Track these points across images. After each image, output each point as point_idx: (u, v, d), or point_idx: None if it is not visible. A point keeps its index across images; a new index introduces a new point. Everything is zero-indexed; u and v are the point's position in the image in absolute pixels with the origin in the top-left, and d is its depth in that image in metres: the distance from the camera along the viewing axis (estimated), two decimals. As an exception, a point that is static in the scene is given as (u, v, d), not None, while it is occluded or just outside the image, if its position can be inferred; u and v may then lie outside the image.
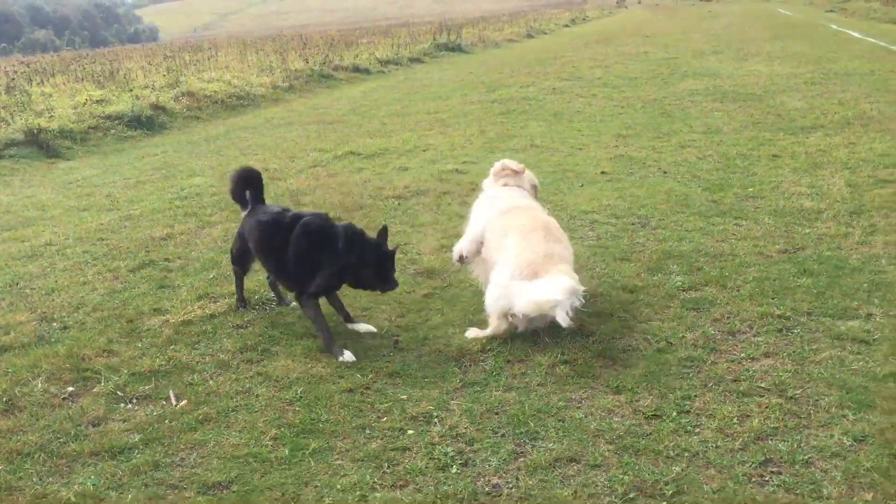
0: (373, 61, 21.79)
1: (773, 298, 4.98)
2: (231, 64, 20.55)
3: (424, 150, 10.36)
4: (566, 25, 42.54)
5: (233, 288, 5.50)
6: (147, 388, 4.30)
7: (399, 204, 7.81)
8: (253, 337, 4.89)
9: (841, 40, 22.92)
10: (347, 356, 4.48)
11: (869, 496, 3.10)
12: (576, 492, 3.27)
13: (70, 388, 4.31)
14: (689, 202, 7.21)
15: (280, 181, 9.11)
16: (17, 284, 6.01)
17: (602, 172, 8.57)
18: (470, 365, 4.42)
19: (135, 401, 4.18)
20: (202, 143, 12.37)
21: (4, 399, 4.18)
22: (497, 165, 5.41)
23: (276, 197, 8.33)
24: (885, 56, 17.76)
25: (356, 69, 20.54)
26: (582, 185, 8.09)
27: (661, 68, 17.84)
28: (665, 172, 8.38)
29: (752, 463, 3.38)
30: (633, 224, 6.70)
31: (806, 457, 3.39)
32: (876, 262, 5.45)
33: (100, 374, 4.45)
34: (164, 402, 4.15)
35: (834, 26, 28.01)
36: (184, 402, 4.13)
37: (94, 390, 4.28)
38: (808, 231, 6.19)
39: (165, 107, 14.57)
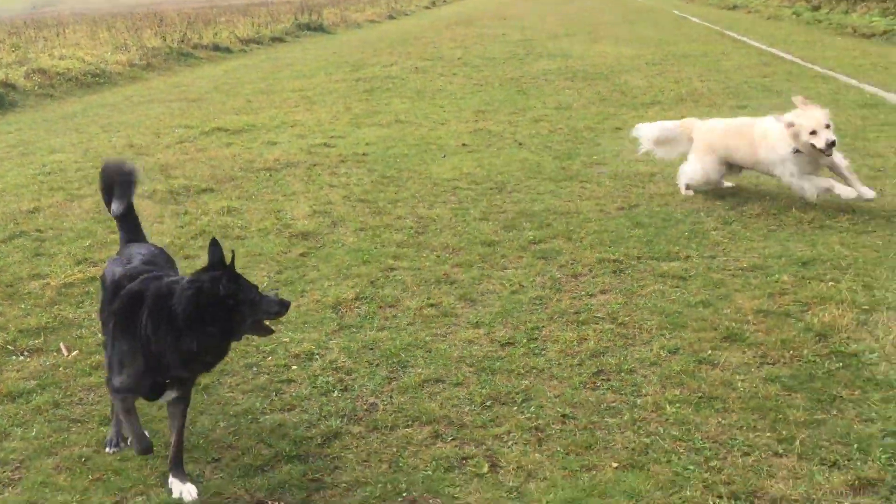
0: (233, 40, 21.64)
1: (609, 247, 5.74)
2: (81, 41, 19.89)
3: (292, 126, 10.68)
4: (427, 7, 43.21)
5: (115, 248, 5.72)
6: (37, 342, 4.55)
7: (270, 175, 8.15)
8: (137, 295, 5.17)
9: (681, 24, 24.73)
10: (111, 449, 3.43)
11: (677, 392, 3.84)
12: (441, 404, 3.85)
13: (-43, 347, 4.49)
14: (541, 169, 7.95)
15: (147, 156, 9.22)
16: None
17: (463, 144, 9.21)
18: (346, 311, 4.91)
19: (26, 353, 4.43)
20: (59, 121, 12.14)
21: None
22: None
23: (146, 171, 8.47)
24: (718, 39, 19.43)
25: (216, 48, 20.37)
26: (444, 156, 8.69)
27: (518, 49, 18.76)
28: (520, 144, 9.11)
29: (587, 374, 4.07)
30: (490, 189, 7.35)
31: (630, 367, 4.11)
32: (696, 214, 6.33)
33: (-15, 333, 4.64)
34: (55, 354, 4.42)
35: (676, 12, 30.03)
36: (75, 352, 4.41)
37: (-18, 347, 4.48)
38: (641, 191, 7.05)
39: (15, 84, 14.10)
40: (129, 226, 3.73)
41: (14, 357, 4.38)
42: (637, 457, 3.36)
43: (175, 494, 3.16)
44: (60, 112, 12.88)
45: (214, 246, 3.09)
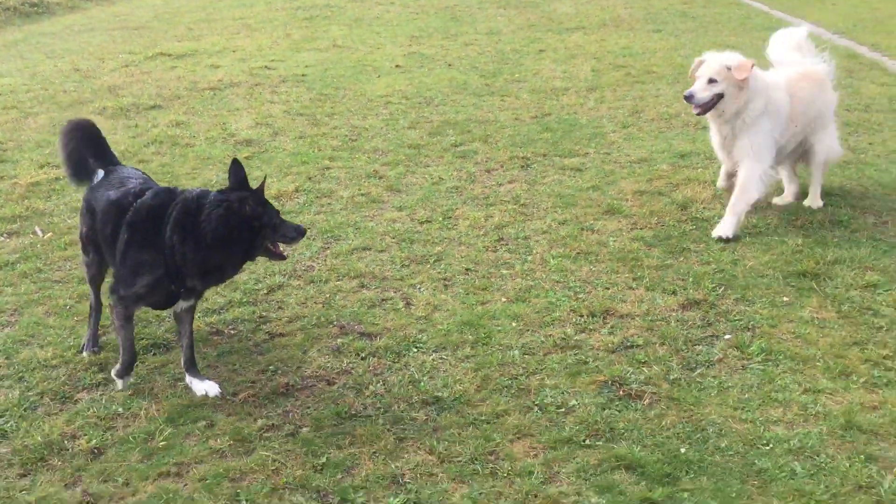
0: (171, -30, 21.55)
1: (520, 147, 6.57)
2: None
3: (234, 51, 11.18)
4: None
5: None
6: (14, 226, 5.22)
7: (214, 94, 8.74)
8: (99, 190, 5.85)
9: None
10: (121, 384, 3.49)
11: (561, 250, 4.71)
12: (367, 264, 4.66)
13: (-58, 231, 5.14)
14: (467, 86, 8.70)
15: (94, 79, 9.68)
16: None
17: (396, 66, 9.88)
18: (287, 200, 5.66)
19: (5, 235, 5.11)
20: (1, 49, 12.38)
21: None
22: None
23: (93, 91, 8.99)
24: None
25: (154, -22, 20.32)
26: (379, 76, 9.36)
27: (456, -20, 19.19)
28: (450, 65, 9.82)
29: (490, 241, 4.91)
30: (419, 103, 8.09)
31: (526, 235, 4.97)
32: (599, 121, 7.18)
33: (-33, 220, 5.30)
34: (31, 235, 5.10)
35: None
36: (49, 234, 5.10)
37: (-34, 231, 5.15)
38: (554, 103, 7.86)
39: (-49, 13, 14.16)
40: (108, 156, 3.82)
41: (-6, 238, 5.05)
42: (522, 294, 4.23)
43: (199, 392, 3.41)
44: (2, 41, 13.08)
45: (237, 165, 3.28)
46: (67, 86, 9.35)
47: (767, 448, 2.96)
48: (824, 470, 2.83)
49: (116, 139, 7.08)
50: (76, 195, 5.77)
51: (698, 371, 3.47)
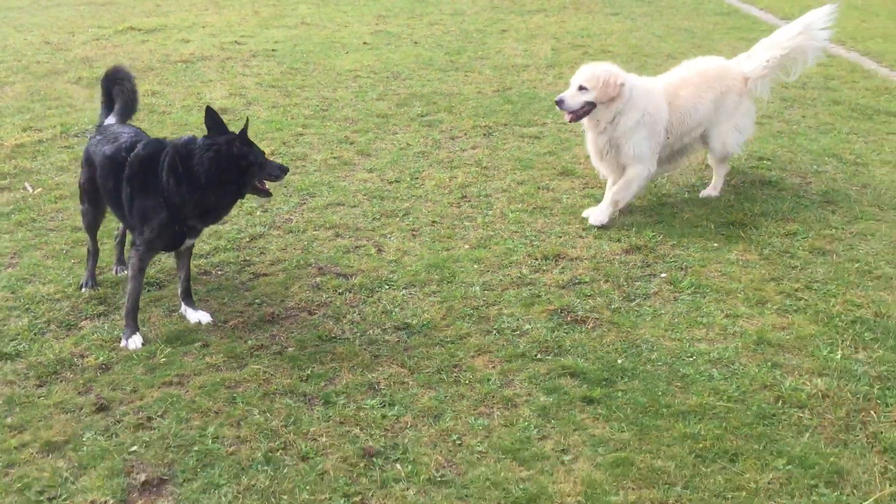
0: (134, -52, 21.57)
1: (483, 117, 7.03)
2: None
3: (203, 27, 11.46)
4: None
5: (55, 120, 6.66)
6: (3, 182, 5.55)
7: (187, 67, 9.06)
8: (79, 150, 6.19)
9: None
10: (133, 343, 3.66)
11: (519, 206, 5.18)
12: (341, 217, 5.09)
13: (-65, 186, 5.46)
14: (432, 62, 9.13)
15: (66, 51, 9.91)
16: None
17: (364, 43, 10.27)
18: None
19: (-3, 191, 5.44)
20: (-33, 22, 12.49)
21: None
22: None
23: (66, 62, 9.24)
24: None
25: (118, -45, 20.34)
26: (347, 52, 9.75)
27: (421, -37, 19.55)
28: (416, 42, 10.24)
29: (454, 198, 5.37)
30: (387, 77, 8.51)
31: (487, 193, 5.43)
32: (556, 95, 7.66)
33: (-42, 176, 5.62)
34: (22, 191, 5.44)
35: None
36: (38, 189, 5.45)
37: (-41, 186, 5.47)
38: (515, 78, 8.34)
39: (-86, -15, 14.17)
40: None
41: (-13, 193, 5.38)
42: (483, 242, 4.70)
43: (193, 320, 3.83)
44: (-33, 14, 13.17)
45: (211, 112, 3.60)
46: (40, 57, 9.58)
47: (691, 359, 3.47)
48: (737, 374, 3.35)
49: (95, 106, 7.38)
50: (60, 155, 6.12)
51: (636, 301, 3.98)
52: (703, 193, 5.28)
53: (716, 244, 4.55)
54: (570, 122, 5.00)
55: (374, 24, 11.57)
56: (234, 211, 4.83)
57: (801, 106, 7.15)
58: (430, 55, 9.50)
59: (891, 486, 2.66)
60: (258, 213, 5.16)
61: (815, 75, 8.13)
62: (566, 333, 3.70)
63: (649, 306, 3.93)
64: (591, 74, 4.79)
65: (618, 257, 4.44)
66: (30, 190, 5.45)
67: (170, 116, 7.10)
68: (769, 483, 2.74)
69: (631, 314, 3.86)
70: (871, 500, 2.63)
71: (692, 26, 11.00)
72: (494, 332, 3.74)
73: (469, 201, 5.32)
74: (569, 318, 3.82)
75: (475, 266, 4.39)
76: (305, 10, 12.78)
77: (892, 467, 2.79)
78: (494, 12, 12.45)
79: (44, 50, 10.02)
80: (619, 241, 4.64)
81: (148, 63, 9.16)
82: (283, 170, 3.78)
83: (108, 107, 4.30)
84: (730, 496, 2.70)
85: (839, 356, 3.43)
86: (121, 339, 3.68)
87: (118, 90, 4.25)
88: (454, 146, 6.38)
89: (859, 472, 2.77)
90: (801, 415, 3.08)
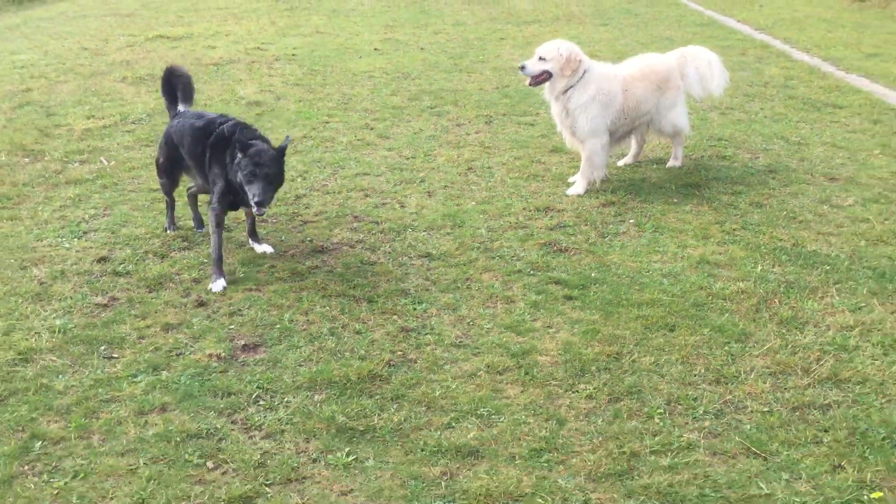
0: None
1: (484, 109, 8.19)
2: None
3: (226, 35, 12.65)
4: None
5: (112, 110, 7.80)
6: (81, 157, 6.69)
7: (217, 69, 10.22)
8: (143, 132, 7.33)
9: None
10: (217, 286, 4.49)
11: (516, 174, 6.32)
12: (368, 183, 6.21)
13: (26, 159, 6.59)
14: (438, 65, 10.31)
15: (104, 56, 11.08)
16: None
17: (375, 49, 11.46)
18: (297, 143, 7.18)
19: (77, 162, 6.57)
20: (5, 31, 13.67)
21: (-14, 161, 6.41)
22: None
23: (108, 65, 10.40)
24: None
25: (133, -30, 21.60)
26: (360, 57, 10.93)
27: (422, -21, 20.86)
28: (422, 49, 11.43)
29: (462, 170, 6.49)
30: (398, 77, 9.68)
31: (489, 165, 6.56)
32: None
33: (43, 151, 6.75)
34: (98, 164, 6.57)
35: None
36: (112, 163, 6.58)
37: (45, 159, 6.60)
38: (513, 78, 9.51)
39: (-50, -3, 15.36)
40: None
41: (70, 165, 6.51)
42: (487, 200, 5.83)
43: (259, 251, 4.91)
44: (3, 24, 14.34)
45: (245, 128, 4.61)
46: (81, 60, 10.74)
47: (648, 273, 4.60)
48: (681, 281, 4.48)
49: (145, 100, 8.55)
50: (124, 137, 7.26)
51: (608, 238, 5.11)
52: (669, 164, 6.42)
53: (675, 200, 5.70)
54: (530, 85, 5.94)
55: (383, 33, 12.77)
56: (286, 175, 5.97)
57: (760, 100, 8.33)
58: (435, 59, 10.68)
59: (780, 340, 3.79)
60: (298, 179, 6.28)
61: (777, 76, 9.32)
62: (552, 258, 4.83)
63: (619, 241, 5.06)
64: (551, 47, 5.79)
65: (596, 209, 5.57)
66: (105, 163, 6.57)
67: (210, 108, 8.23)
68: (696, 342, 3.86)
69: (604, 246, 4.99)
70: (765, 348, 3.75)
71: (673, 35, 12.21)
72: (497, 257, 4.87)
73: (474, 172, 6.45)
74: (555, 249, 4.95)
75: (481, 216, 5.52)
76: (318, 21, 13.98)
77: (783, 331, 3.91)
78: (493, 23, 13.66)
79: (83, 55, 11.18)
80: (597, 198, 5.78)
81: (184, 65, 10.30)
82: (258, 206, 4.40)
83: (171, 99, 5.27)
84: (667, 349, 3.82)
85: (759, 269, 4.56)
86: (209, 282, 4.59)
87: (179, 83, 5.27)
88: (460, 131, 7.53)
89: (760, 334, 3.90)
90: (724, 304, 4.21)
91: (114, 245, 5.06)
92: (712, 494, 2.89)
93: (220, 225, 4.67)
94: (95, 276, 4.65)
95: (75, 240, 5.12)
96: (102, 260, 4.84)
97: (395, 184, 6.20)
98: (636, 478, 2.99)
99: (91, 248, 5.01)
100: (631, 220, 5.38)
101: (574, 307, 4.26)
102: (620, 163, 6.55)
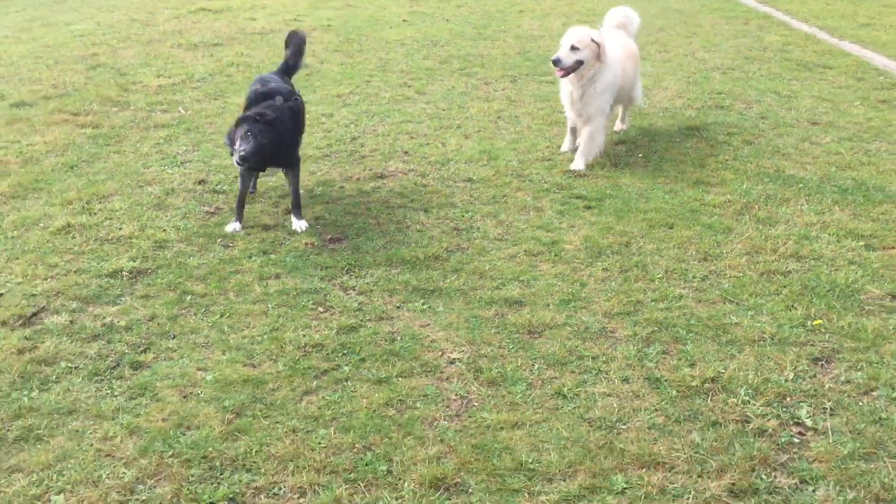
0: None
1: (509, 70, 9.23)
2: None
3: (263, 8, 13.70)
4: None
5: (177, 70, 8.88)
6: (162, 107, 7.79)
7: (262, 37, 11.29)
8: (211, 87, 8.43)
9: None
10: (231, 227, 5.10)
11: (540, 122, 7.37)
12: (411, 129, 7.29)
13: (115, 108, 7.70)
14: (463, 34, 11.35)
15: (154, 26, 12.14)
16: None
17: (403, 20, 12.50)
18: (346, 98, 8.25)
19: (159, 111, 7.67)
20: (53, 5, 14.74)
21: (93, 112, 7.51)
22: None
23: (160, 34, 11.47)
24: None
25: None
26: (391, 28, 11.97)
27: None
28: (447, 20, 12.47)
29: (492, 118, 7.54)
30: (428, 44, 10.72)
31: (516, 115, 7.62)
32: (567, 55, 9.88)
33: (128, 102, 7.86)
34: (177, 112, 7.67)
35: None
36: (189, 112, 7.67)
37: (131, 108, 7.71)
38: (533, 45, 10.55)
39: (-4, -26, 16.42)
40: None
41: (153, 113, 7.61)
42: (516, 140, 6.89)
43: (294, 227, 5.13)
44: (49, -2, 15.42)
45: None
46: (134, 30, 11.81)
47: (652, 190, 5.67)
48: (679, 195, 5.54)
49: (203, 63, 9.63)
50: (193, 93, 8.35)
51: (620, 167, 6.18)
52: (618, 127, 6.99)
53: (677, 140, 6.76)
54: (560, 77, 6.10)
55: (409, 6, 13.80)
56: (333, 126, 7.04)
57: (758, 62, 9.35)
58: (460, 29, 11.72)
59: (756, 232, 4.86)
60: (352, 126, 7.36)
61: (775, 42, 10.34)
62: (574, 180, 5.90)
63: (629, 169, 6.13)
64: (583, 36, 5.93)
65: (610, 146, 6.63)
66: (183, 112, 7.67)
67: (263, 69, 9.31)
68: (689, 235, 4.93)
69: (617, 172, 6.06)
70: (744, 237, 4.82)
71: (682, 7, 13.21)
72: (528, 181, 5.94)
73: (503, 120, 7.51)
74: (576, 174, 6.02)
75: (512, 152, 6.59)
76: (347, -5, 15.01)
77: (759, 226, 4.99)
78: (512, -3, 14.67)
79: (134, 25, 12.25)
80: (611, 138, 6.83)
81: (229, 34, 11.40)
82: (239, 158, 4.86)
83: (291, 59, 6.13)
84: (666, 240, 4.89)
85: (744, 187, 5.63)
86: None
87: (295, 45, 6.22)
88: (488, 88, 8.58)
89: (741, 228, 4.97)
90: (714, 209, 5.28)
91: (208, 171, 6.16)
92: (696, 324, 3.97)
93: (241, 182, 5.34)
94: (199, 193, 5.75)
95: (175, 168, 6.22)
96: (202, 182, 5.94)
97: (435, 129, 7.26)
98: (639, 315, 4.07)
99: (190, 173, 6.11)
100: (640, 154, 6.44)
101: (592, 213, 5.34)
102: (616, 128, 6.99)
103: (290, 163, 5.27)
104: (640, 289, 4.33)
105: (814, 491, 2.91)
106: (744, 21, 11.90)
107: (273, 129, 4.94)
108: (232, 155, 4.97)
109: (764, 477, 2.98)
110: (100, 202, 5.55)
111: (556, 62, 5.96)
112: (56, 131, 6.98)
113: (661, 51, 10.01)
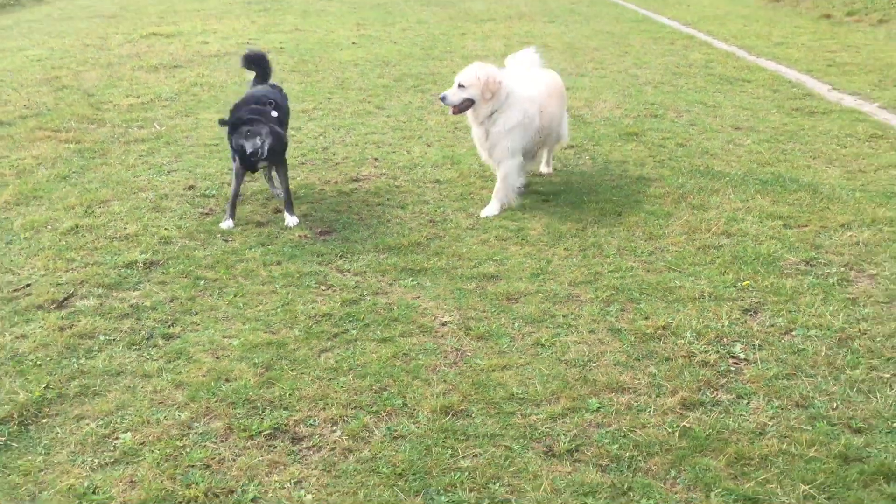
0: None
1: (459, 87, 9.99)
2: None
3: (214, 32, 14.25)
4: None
5: (144, 90, 9.39)
6: (138, 123, 8.30)
7: (218, 59, 11.85)
8: (180, 105, 8.97)
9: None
10: (225, 224, 5.66)
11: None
12: (377, 139, 7.97)
13: (92, 125, 8.18)
14: (412, 54, 12.11)
15: (107, 50, 12.59)
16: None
17: (353, 43, 13.21)
18: (310, 114, 8.89)
19: (136, 127, 8.18)
20: (1, 31, 15.02)
21: (72, 129, 7.98)
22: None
23: (118, 57, 11.94)
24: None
25: (99, -23, 22.93)
26: (342, 49, 12.66)
27: (379, -17, 22.68)
28: (395, 42, 13.23)
29: (450, 128, 8.28)
30: (380, 65, 11.44)
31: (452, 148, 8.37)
32: (511, 73, 10.70)
33: (104, 119, 8.35)
34: (153, 128, 8.19)
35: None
36: (164, 127, 8.20)
37: (108, 125, 8.20)
38: (479, 63, 11.35)
39: (-62, 1, 16.61)
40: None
41: (130, 129, 8.11)
42: (473, 148, 7.56)
43: (287, 223, 5.69)
44: (-5, 25, 15.66)
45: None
46: (90, 54, 12.25)
47: (600, 185, 6.44)
48: (624, 189, 6.33)
49: (169, 82, 10.16)
50: (164, 111, 8.88)
51: (570, 167, 6.96)
52: (543, 170, 6.75)
53: (619, 144, 7.58)
54: (453, 114, 6.02)
55: (356, 30, 14.53)
56: (304, 135, 7.68)
57: (685, 77, 10.34)
58: (409, 50, 12.49)
59: (692, 216, 5.67)
60: (321, 137, 8.00)
61: (699, 59, 11.37)
62: (532, 179, 6.65)
63: (578, 169, 6.92)
64: (470, 74, 5.76)
65: (560, 152, 7.42)
66: (158, 128, 8.20)
67: (223, 91, 9.90)
68: (636, 220, 5.70)
69: (567, 173, 6.84)
70: (682, 220, 5.62)
71: (613, 30, 14.26)
72: (490, 180, 6.65)
73: (460, 130, 8.24)
74: (532, 174, 6.77)
75: (473, 157, 7.28)
76: (294, 21, 15.68)
77: (694, 211, 5.80)
78: (452, 21, 15.54)
79: (88, 50, 12.68)
80: (566, 144, 7.63)
81: (186, 57, 11.93)
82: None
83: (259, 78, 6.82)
84: (616, 224, 5.66)
85: (680, 181, 6.46)
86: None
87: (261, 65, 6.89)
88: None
89: (679, 213, 5.78)
90: (655, 199, 6.08)
91: (195, 178, 6.73)
92: (647, 287, 4.73)
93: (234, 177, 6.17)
94: (190, 197, 6.32)
95: (164, 176, 6.77)
96: (191, 188, 6.50)
97: (399, 139, 7.95)
98: (599, 282, 4.81)
99: (178, 181, 6.67)
100: (587, 157, 7.25)
101: (550, 205, 6.09)
102: (541, 170, 6.79)
103: (282, 160, 5.88)
104: (597, 263, 5.07)
105: (748, 403, 3.66)
106: (670, 41, 12.97)
107: (277, 128, 5.65)
108: (236, 152, 5.58)
109: (708, 394, 3.72)
110: (100, 206, 6.06)
111: (443, 99, 5.88)
112: (41, 147, 7.45)
113: (598, 68, 10.93)
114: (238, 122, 5.59)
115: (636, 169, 6.83)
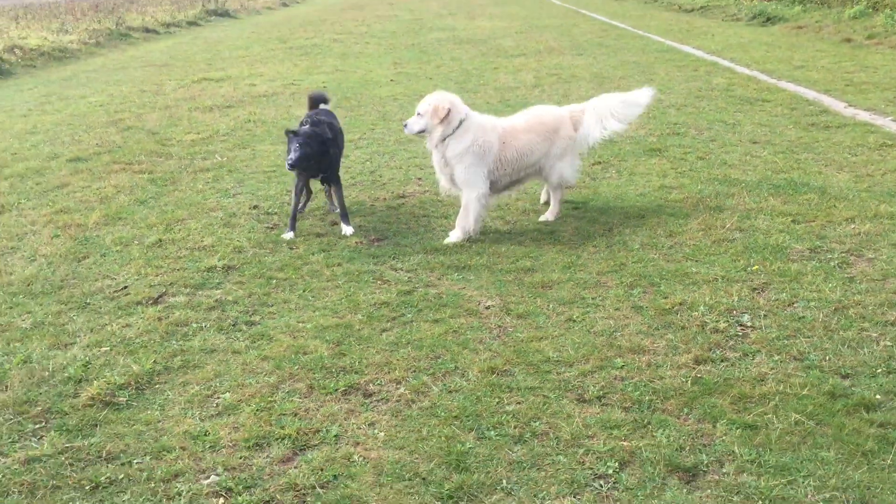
0: (156, 24, 25.62)
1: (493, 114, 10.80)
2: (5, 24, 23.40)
3: (260, 76, 15.27)
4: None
5: (202, 127, 10.30)
6: (202, 156, 9.17)
7: (268, 99, 12.80)
8: (237, 139, 9.85)
9: (543, 4, 30.43)
10: (287, 235, 6.42)
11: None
12: (421, 160, 8.75)
13: (160, 158, 9.07)
14: (448, 88, 12.85)
15: (164, 95, 13.62)
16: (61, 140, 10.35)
17: (391, 80, 14.11)
18: (357, 142, 9.72)
19: (200, 159, 9.06)
20: (62, 82, 16.18)
21: (143, 162, 8.88)
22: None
23: (174, 100, 12.93)
24: (573, 15, 25.07)
25: (146, 30, 24.38)
26: (380, 87, 13.56)
27: (412, 25, 23.77)
28: (430, 78, 14.10)
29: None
30: (417, 98, 12.17)
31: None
32: (542, 101, 11.48)
33: (170, 153, 9.25)
34: (215, 159, 9.06)
35: (543, -4, 35.92)
36: (224, 158, 9.07)
37: (174, 158, 9.09)
38: (511, 94, 12.16)
39: (1, 57, 17.91)
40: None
41: (195, 160, 8.99)
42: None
43: (344, 232, 6.44)
44: (55, 77, 16.88)
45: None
46: (147, 99, 13.28)
47: (626, 195, 7.13)
48: (647, 197, 7.01)
49: (226, 121, 11.08)
50: (222, 144, 9.77)
51: (598, 180, 7.66)
52: (542, 218, 6.61)
53: (643, 159, 8.28)
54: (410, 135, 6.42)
55: (393, 69, 15.46)
56: (352, 161, 8.49)
57: (707, 99, 11.03)
58: (443, 84, 13.30)
59: (709, 216, 6.32)
60: (367, 163, 8.79)
61: (721, 83, 12.06)
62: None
63: (605, 182, 7.61)
64: (426, 103, 6.17)
65: (588, 167, 8.13)
66: (220, 158, 9.07)
67: (275, 127, 10.79)
68: (657, 220, 6.37)
69: (595, 184, 7.53)
70: (699, 220, 6.27)
71: (639, 60, 15.01)
72: (524, 193, 7.38)
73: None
74: (565, 187, 7.47)
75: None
76: (334, 62, 16.68)
77: (712, 212, 6.45)
78: (484, 58, 16.42)
79: (145, 95, 13.72)
80: (588, 160, 8.34)
81: (237, 98, 12.90)
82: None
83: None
84: (640, 225, 6.32)
85: (699, 188, 7.12)
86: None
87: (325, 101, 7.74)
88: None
89: (697, 214, 6.43)
90: (676, 204, 6.75)
91: (258, 199, 7.54)
92: (666, 273, 5.39)
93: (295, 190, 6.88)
94: (256, 215, 7.12)
95: (230, 198, 7.60)
96: (255, 207, 7.31)
97: (439, 162, 8.70)
98: (624, 271, 5.49)
99: (243, 202, 7.48)
100: (613, 171, 7.95)
101: (579, 212, 6.78)
102: (541, 219, 6.64)
103: (334, 177, 6.70)
104: (622, 256, 5.75)
105: (752, 358, 4.29)
106: (693, 68, 13.68)
107: (315, 141, 6.33)
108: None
109: (718, 353, 4.36)
110: (177, 224, 6.89)
111: (405, 126, 6.34)
112: (118, 177, 8.34)
113: (624, 94, 11.66)
114: (289, 132, 6.42)
115: (658, 179, 7.51)
